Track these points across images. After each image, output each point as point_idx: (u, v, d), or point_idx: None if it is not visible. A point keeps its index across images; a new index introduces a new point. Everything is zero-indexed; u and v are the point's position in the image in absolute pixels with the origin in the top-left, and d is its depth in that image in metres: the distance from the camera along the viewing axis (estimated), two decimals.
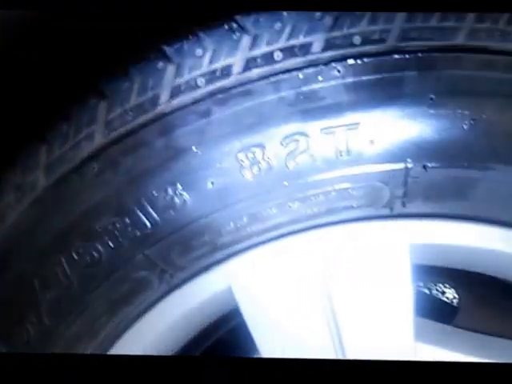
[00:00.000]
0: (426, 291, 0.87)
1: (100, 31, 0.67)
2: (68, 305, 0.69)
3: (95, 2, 0.64)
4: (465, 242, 0.63)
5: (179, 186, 0.64)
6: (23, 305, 0.71)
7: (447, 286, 0.88)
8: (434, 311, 0.82)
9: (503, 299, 0.81)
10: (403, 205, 0.62)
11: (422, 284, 0.89)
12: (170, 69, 0.63)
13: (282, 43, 0.61)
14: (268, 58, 0.61)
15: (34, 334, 0.71)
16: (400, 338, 0.65)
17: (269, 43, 0.61)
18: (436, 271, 0.81)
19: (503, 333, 0.71)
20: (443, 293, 0.87)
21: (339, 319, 0.67)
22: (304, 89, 0.61)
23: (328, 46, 0.60)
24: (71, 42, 0.67)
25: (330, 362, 0.64)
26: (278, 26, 0.61)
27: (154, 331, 0.69)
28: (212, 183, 0.63)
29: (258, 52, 0.61)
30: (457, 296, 0.86)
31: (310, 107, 0.61)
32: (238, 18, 0.62)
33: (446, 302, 0.86)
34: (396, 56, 0.59)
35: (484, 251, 0.63)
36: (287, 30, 0.61)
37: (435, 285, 0.87)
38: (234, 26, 0.62)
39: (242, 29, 0.61)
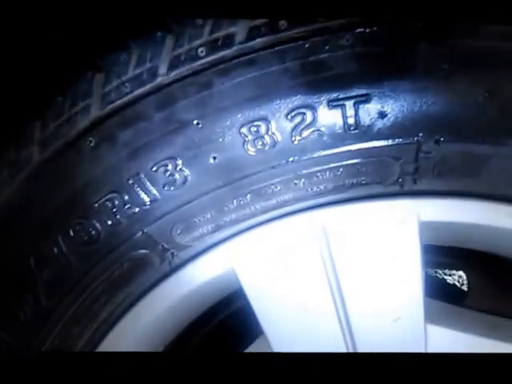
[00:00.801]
0: (436, 274, 0.85)
1: (96, 1, 0.64)
2: (66, 285, 0.67)
3: None
4: (477, 221, 0.60)
5: (180, 161, 0.61)
6: (19, 285, 0.69)
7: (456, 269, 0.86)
8: (444, 292, 0.80)
9: None
10: (414, 181, 0.60)
11: (431, 266, 0.87)
12: (170, 39, 0.60)
13: None
14: (272, 26, 0.58)
15: (31, 315, 0.69)
16: (410, 319, 0.63)
17: None
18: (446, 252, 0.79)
19: None
20: (452, 275, 0.85)
21: (347, 299, 0.65)
22: (310, 59, 0.58)
23: None
24: (66, 12, 0.64)
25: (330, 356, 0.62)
26: None
27: (156, 313, 0.67)
28: (214, 158, 0.61)
29: (262, 20, 0.58)
30: (466, 278, 0.84)
31: (316, 78, 0.58)
32: None
33: (455, 284, 0.84)
34: (407, 25, 0.56)
35: (497, 230, 0.60)
36: None
37: (444, 268, 0.86)
38: None
39: None
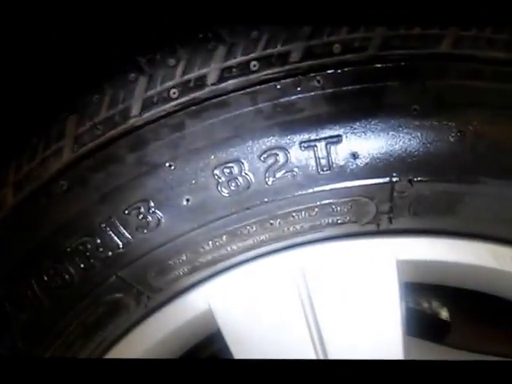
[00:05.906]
0: (417, 309, 0.85)
1: (69, 42, 0.64)
2: (41, 329, 0.66)
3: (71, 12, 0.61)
4: (453, 259, 0.60)
5: (152, 203, 0.60)
6: None
7: (437, 304, 0.85)
8: (425, 330, 0.79)
9: (493, 315, 0.78)
10: (390, 220, 0.59)
11: (412, 303, 0.86)
12: (142, 80, 0.60)
13: (258, 52, 0.58)
14: (244, 67, 0.58)
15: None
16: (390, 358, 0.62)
17: (245, 52, 0.58)
18: (426, 288, 0.78)
19: (495, 350, 0.68)
20: (434, 311, 0.85)
21: (325, 339, 0.64)
22: (282, 100, 0.58)
23: (307, 55, 0.57)
24: (39, 53, 0.64)
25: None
26: (254, 34, 0.57)
27: (133, 356, 0.66)
28: (187, 200, 0.60)
29: (233, 62, 0.58)
30: (447, 314, 0.83)
31: (288, 120, 0.58)
32: (212, 26, 0.58)
33: (436, 320, 0.83)
34: (378, 65, 0.56)
35: (473, 268, 0.60)
36: (264, 38, 0.57)
37: (425, 303, 0.85)
38: (209, 34, 0.59)
39: (217, 38, 0.58)
